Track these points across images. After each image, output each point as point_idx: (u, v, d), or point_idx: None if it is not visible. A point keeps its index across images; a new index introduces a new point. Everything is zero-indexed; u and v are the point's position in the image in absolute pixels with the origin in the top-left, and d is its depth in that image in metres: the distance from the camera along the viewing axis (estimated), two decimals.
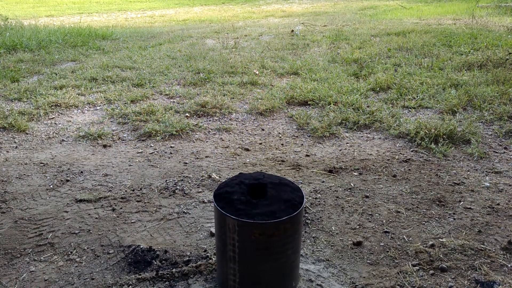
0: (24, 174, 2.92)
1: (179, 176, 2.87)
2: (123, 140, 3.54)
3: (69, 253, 2.09)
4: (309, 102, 4.30)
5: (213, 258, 1.99)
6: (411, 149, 3.24)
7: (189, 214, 2.42)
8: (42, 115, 4.07)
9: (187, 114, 4.06)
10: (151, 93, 4.74)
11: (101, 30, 9.34)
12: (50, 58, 6.55)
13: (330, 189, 2.68)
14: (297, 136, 3.57)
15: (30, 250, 2.12)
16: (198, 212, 2.44)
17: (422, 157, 3.11)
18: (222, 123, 3.88)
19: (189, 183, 2.78)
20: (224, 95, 4.60)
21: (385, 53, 6.47)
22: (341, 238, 2.18)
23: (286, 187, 1.73)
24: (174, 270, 1.92)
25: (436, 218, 2.34)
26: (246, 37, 8.84)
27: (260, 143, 3.44)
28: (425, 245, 2.09)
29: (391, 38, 7.78)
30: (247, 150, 3.32)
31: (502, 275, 1.89)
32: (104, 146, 3.41)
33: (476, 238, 2.15)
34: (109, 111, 4.14)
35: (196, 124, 3.80)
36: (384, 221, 2.32)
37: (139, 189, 2.72)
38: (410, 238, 2.17)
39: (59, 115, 4.13)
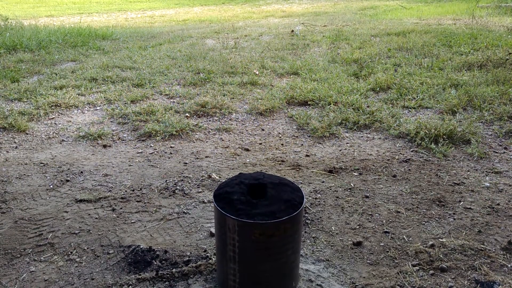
0: (24, 174, 2.92)
1: (179, 176, 2.87)
2: (123, 140, 3.54)
3: (69, 253, 2.09)
4: (309, 102, 4.30)
5: (213, 258, 1.99)
6: (411, 149, 3.24)
7: (189, 214, 2.42)
8: (42, 115, 4.07)
9: (187, 114, 4.06)
10: (151, 93, 4.74)
11: (101, 30, 9.34)
12: (50, 58, 6.55)
13: (330, 189, 2.68)
14: (297, 136, 3.57)
15: (30, 250, 2.12)
16: (198, 212, 2.44)
17: (422, 157, 3.11)
18: (222, 123, 3.88)
19: (189, 183, 2.78)
20: (224, 95, 4.60)
21: (385, 53, 6.47)
22: (341, 238, 2.18)
23: (286, 187, 1.73)
24: (174, 270, 1.92)
25: (436, 218, 2.34)
26: (246, 37, 8.84)
27: (260, 143, 3.44)
28: (425, 245, 2.09)
29: (391, 38, 7.78)
30: (247, 150, 3.32)
31: (502, 275, 1.89)
32: (104, 146, 3.41)
33: (476, 238, 2.15)
34: (109, 111, 4.14)
35: (196, 124, 3.80)
36: (384, 221, 2.32)
37: (139, 189, 2.72)
38: (410, 238, 2.17)
39: (59, 115, 4.13)
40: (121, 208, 2.49)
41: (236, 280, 1.67)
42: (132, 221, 2.36)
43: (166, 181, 2.81)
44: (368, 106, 4.10)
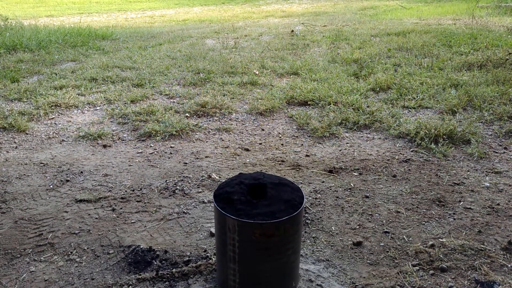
0: (24, 174, 2.92)
1: (179, 176, 2.87)
2: (123, 140, 3.54)
3: (69, 253, 2.09)
4: (309, 102, 4.30)
5: (213, 258, 1.99)
6: (411, 149, 3.24)
7: (189, 214, 2.42)
8: (42, 115, 4.07)
9: (187, 114, 4.06)
10: (151, 93, 4.74)
11: (101, 30, 9.34)
12: (50, 58, 6.55)
13: (330, 189, 2.68)
14: (297, 136, 3.57)
15: (30, 250, 2.12)
16: (198, 212, 2.44)
17: (422, 157, 3.11)
18: (222, 123, 3.88)
19: (189, 183, 2.78)
20: (224, 95, 4.60)
21: (385, 53, 6.47)
22: (341, 238, 2.18)
23: (286, 187, 1.73)
24: (174, 270, 1.92)
25: (436, 218, 2.34)
26: (246, 37, 8.84)
27: (260, 143, 3.44)
28: (425, 245, 2.09)
29: (391, 38, 7.78)
30: (247, 150, 3.32)
31: (502, 275, 1.89)
32: (104, 146, 3.41)
33: (476, 238, 2.15)
34: (109, 111, 4.14)
35: (196, 124, 3.80)
36: (384, 221, 2.32)
37: (139, 189, 2.72)
38: (410, 238, 2.17)
39: (59, 115, 4.13)
40: (121, 208, 2.49)
41: (236, 280, 1.67)
42: (132, 221, 2.36)
43: (166, 181, 2.81)
44: (368, 106, 4.10)
